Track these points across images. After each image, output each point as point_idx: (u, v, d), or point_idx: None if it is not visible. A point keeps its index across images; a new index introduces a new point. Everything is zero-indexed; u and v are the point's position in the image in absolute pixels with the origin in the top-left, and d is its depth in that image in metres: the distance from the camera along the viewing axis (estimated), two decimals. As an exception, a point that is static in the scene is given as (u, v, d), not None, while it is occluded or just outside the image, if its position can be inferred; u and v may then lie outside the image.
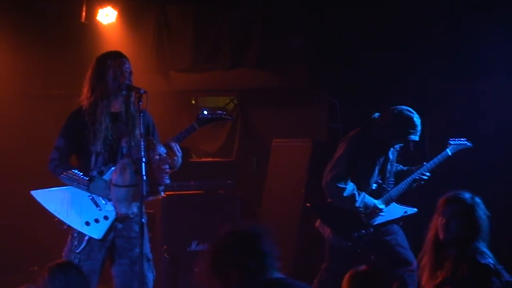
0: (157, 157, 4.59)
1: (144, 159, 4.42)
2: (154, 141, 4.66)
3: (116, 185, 4.58)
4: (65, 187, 4.70)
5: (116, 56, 4.76)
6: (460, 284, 3.95)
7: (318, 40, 7.47)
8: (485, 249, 4.02)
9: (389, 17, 6.95)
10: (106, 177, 4.68)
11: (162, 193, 4.75)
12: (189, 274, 6.46)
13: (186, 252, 6.55)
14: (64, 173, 4.67)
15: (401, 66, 6.98)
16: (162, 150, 4.63)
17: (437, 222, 4.11)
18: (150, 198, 4.66)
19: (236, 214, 6.81)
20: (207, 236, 6.49)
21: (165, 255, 6.43)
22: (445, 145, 5.71)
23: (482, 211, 4.06)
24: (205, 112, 4.83)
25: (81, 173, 4.67)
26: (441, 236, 4.07)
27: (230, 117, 5.13)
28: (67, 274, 3.64)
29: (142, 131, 4.48)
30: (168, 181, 4.67)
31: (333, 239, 5.50)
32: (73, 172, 4.67)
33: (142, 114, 4.50)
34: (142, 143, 4.45)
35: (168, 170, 4.64)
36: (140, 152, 4.43)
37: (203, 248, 6.59)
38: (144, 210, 4.61)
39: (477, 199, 4.09)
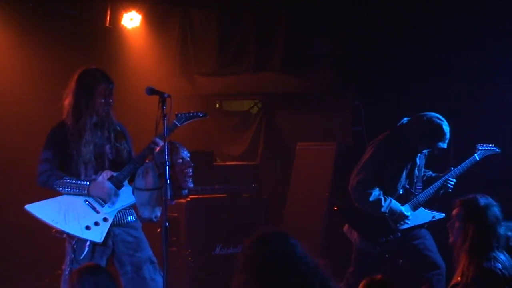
0: (180, 160, 4.58)
1: (167, 163, 4.41)
2: (178, 145, 4.65)
3: (139, 189, 4.59)
4: (58, 197, 4.69)
5: (107, 82, 4.76)
6: None
7: (342, 44, 7.42)
8: (497, 255, 3.96)
9: (414, 21, 6.89)
10: (101, 178, 4.69)
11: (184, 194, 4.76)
12: (213, 277, 6.46)
13: (210, 255, 6.54)
14: (58, 182, 4.66)
15: (426, 70, 6.91)
16: (185, 154, 4.62)
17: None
18: (173, 202, 4.65)
19: (260, 218, 6.80)
20: (231, 239, 6.56)
21: (190, 258, 6.43)
22: (473, 150, 5.64)
23: (491, 217, 3.98)
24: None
25: (76, 179, 4.68)
26: (450, 238, 4.09)
27: (202, 114, 5.05)
28: (97, 277, 3.63)
29: (166, 135, 4.45)
30: (191, 185, 4.66)
31: (360, 243, 5.46)
32: (68, 179, 4.68)
33: (166, 118, 4.48)
34: (166, 147, 4.42)
35: (191, 173, 4.63)
36: (163, 156, 4.41)
37: (228, 251, 6.59)
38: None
39: (488, 205, 4.02)
